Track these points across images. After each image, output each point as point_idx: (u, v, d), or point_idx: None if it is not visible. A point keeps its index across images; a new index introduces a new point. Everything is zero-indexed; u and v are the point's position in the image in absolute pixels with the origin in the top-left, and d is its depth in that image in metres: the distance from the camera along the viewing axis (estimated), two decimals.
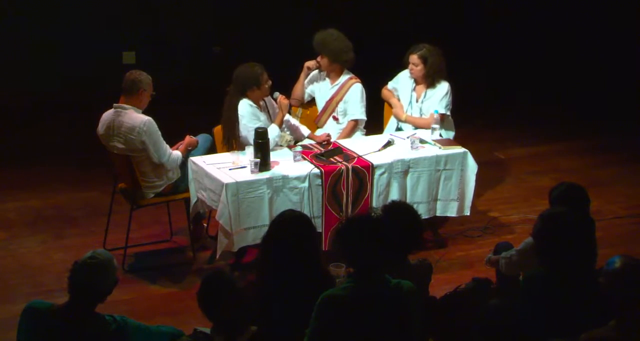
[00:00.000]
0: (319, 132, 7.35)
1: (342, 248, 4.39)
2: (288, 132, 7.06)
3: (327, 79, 7.47)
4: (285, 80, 7.42)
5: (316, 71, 7.49)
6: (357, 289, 4.28)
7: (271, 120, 6.93)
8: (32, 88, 10.18)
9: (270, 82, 6.84)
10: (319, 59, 7.35)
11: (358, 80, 7.41)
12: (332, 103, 7.44)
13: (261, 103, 6.94)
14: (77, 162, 8.64)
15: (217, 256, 6.51)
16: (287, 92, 7.24)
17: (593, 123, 9.99)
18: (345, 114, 7.43)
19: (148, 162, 6.56)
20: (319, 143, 7.00)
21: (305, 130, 7.19)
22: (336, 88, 7.42)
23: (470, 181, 7.00)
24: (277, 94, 6.92)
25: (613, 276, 4.09)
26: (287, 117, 7.09)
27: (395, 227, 4.67)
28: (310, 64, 7.44)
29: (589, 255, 4.70)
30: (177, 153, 6.72)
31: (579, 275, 4.51)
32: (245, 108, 6.82)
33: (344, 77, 7.41)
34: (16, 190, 8.09)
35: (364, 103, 7.40)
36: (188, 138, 6.89)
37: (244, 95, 6.82)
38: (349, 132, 7.39)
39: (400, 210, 4.98)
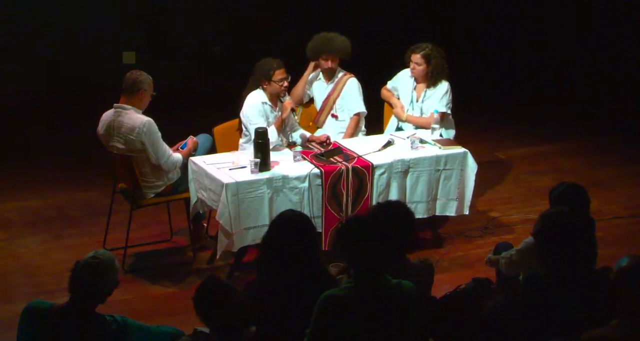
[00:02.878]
0: (318, 133, 7.35)
1: (342, 248, 4.39)
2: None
3: (321, 78, 7.47)
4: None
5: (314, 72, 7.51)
6: (357, 289, 4.28)
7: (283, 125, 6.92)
8: (31, 88, 10.18)
9: (285, 84, 6.82)
10: (330, 62, 7.33)
11: (352, 75, 7.42)
12: (330, 101, 7.43)
13: (278, 103, 6.93)
14: (77, 162, 8.64)
15: (217, 256, 6.52)
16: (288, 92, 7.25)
17: (593, 123, 9.99)
18: (343, 110, 7.42)
19: (148, 163, 6.56)
20: (319, 143, 6.99)
21: (306, 134, 7.15)
22: (332, 86, 7.42)
23: (470, 181, 7.00)
24: (287, 97, 6.91)
25: (620, 275, 4.09)
26: (300, 130, 7.12)
27: (389, 225, 4.66)
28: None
29: (589, 255, 4.70)
30: (177, 156, 6.71)
31: (579, 275, 4.51)
32: (254, 99, 6.83)
33: (338, 74, 7.41)
34: (16, 190, 8.09)
35: (361, 95, 7.40)
36: (192, 141, 6.89)
37: (256, 86, 6.87)
38: (355, 127, 7.38)
39: (392, 208, 4.97)
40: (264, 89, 6.87)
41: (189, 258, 6.92)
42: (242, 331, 4.20)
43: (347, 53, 7.33)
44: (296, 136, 7.13)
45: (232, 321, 4.18)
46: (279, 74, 6.80)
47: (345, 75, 7.42)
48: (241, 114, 6.92)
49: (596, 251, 5.01)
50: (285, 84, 6.84)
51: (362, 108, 7.40)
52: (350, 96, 7.37)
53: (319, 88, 7.50)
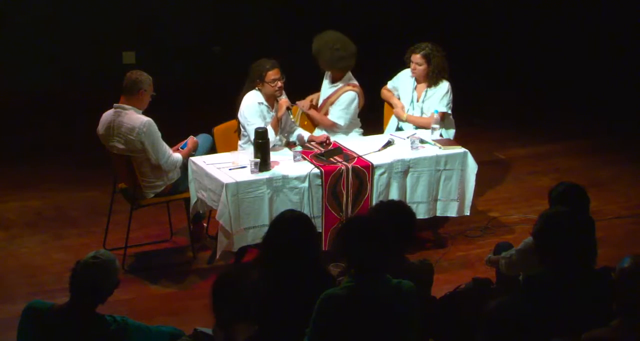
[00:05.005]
0: (317, 132, 7.34)
1: (342, 248, 4.39)
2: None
3: (328, 78, 7.46)
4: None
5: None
6: (357, 289, 4.28)
7: (280, 125, 6.91)
8: (32, 88, 10.19)
9: (279, 84, 6.78)
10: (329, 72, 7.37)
11: (354, 88, 7.30)
12: (326, 104, 7.41)
13: (275, 103, 6.91)
14: (77, 162, 8.64)
15: (217, 257, 6.52)
16: (289, 92, 7.23)
17: (593, 123, 9.99)
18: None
19: (148, 163, 6.56)
20: (319, 144, 6.99)
21: (304, 134, 7.15)
22: (333, 89, 7.39)
23: (470, 181, 7.00)
24: (283, 96, 6.89)
25: (622, 276, 4.09)
26: (299, 130, 7.12)
27: (389, 225, 4.66)
28: None
29: (588, 255, 4.70)
30: (177, 156, 6.71)
31: (579, 275, 4.51)
32: (251, 100, 6.83)
33: (343, 82, 7.35)
34: (16, 190, 8.09)
35: (348, 110, 7.27)
36: (192, 141, 6.89)
37: (252, 87, 6.86)
38: (319, 119, 7.33)
39: (393, 208, 4.97)
40: (259, 90, 6.86)
41: (189, 258, 6.92)
42: (247, 328, 4.19)
43: (332, 66, 7.25)
44: (294, 136, 7.13)
45: (241, 315, 4.16)
46: (271, 75, 6.77)
47: (346, 85, 7.32)
48: (239, 115, 6.91)
49: (596, 251, 5.00)
50: (279, 84, 6.79)
51: (337, 119, 7.28)
52: (337, 104, 7.28)
53: (324, 87, 7.48)
